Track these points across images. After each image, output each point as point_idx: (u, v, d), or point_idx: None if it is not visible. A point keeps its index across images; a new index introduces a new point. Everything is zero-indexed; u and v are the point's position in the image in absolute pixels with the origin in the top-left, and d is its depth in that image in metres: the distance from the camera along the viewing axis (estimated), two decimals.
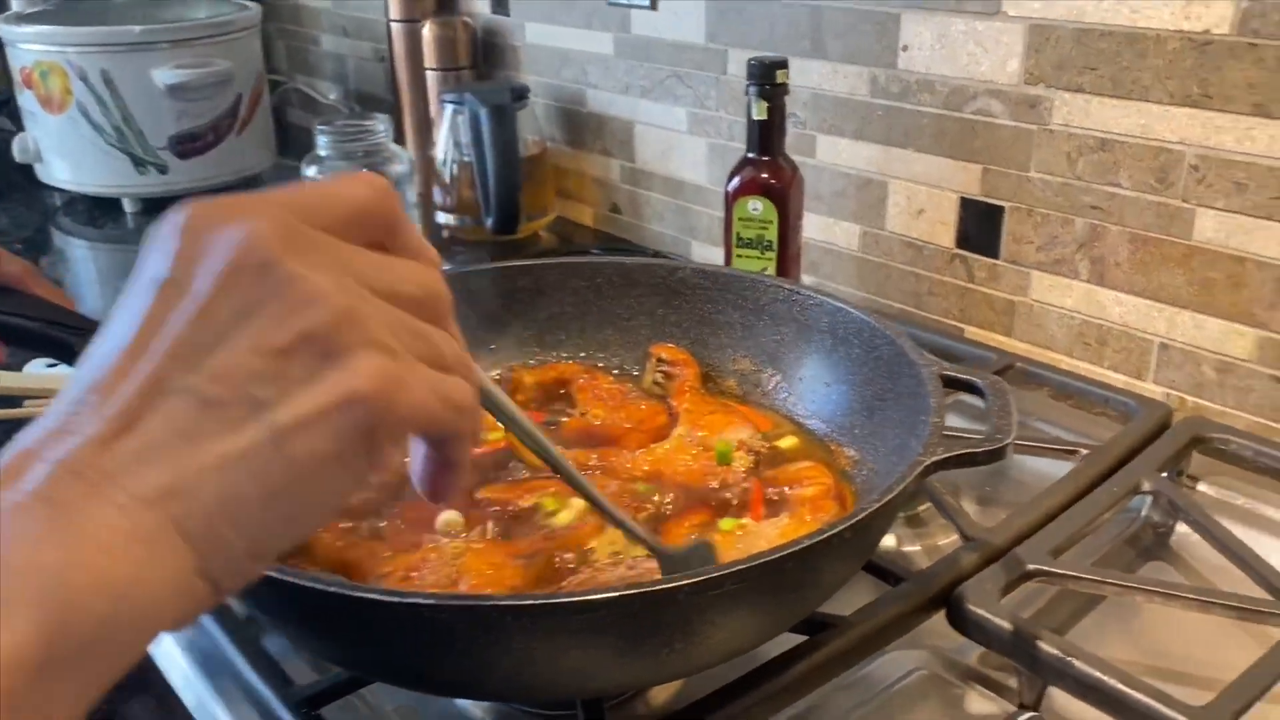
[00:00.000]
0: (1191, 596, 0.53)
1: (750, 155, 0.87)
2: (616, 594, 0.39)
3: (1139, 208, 0.76)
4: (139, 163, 1.29)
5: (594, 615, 0.39)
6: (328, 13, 1.62)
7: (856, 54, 0.91)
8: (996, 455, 0.46)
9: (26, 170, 1.38)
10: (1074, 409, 0.78)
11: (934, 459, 0.45)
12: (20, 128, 1.35)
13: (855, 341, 0.60)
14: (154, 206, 1.32)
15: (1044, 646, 0.50)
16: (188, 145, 1.30)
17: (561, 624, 0.39)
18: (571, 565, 0.50)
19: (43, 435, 0.28)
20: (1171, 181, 0.74)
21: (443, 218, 1.21)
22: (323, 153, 0.99)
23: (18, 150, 1.34)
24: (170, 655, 0.57)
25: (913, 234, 0.92)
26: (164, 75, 1.25)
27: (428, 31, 1.29)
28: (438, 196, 1.21)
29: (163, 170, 1.30)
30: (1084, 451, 0.67)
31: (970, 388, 0.52)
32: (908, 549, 0.65)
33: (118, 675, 0.26)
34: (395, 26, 1.34)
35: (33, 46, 1.27)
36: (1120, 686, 0.48)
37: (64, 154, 1.31)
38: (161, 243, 0.29)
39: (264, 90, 1.40)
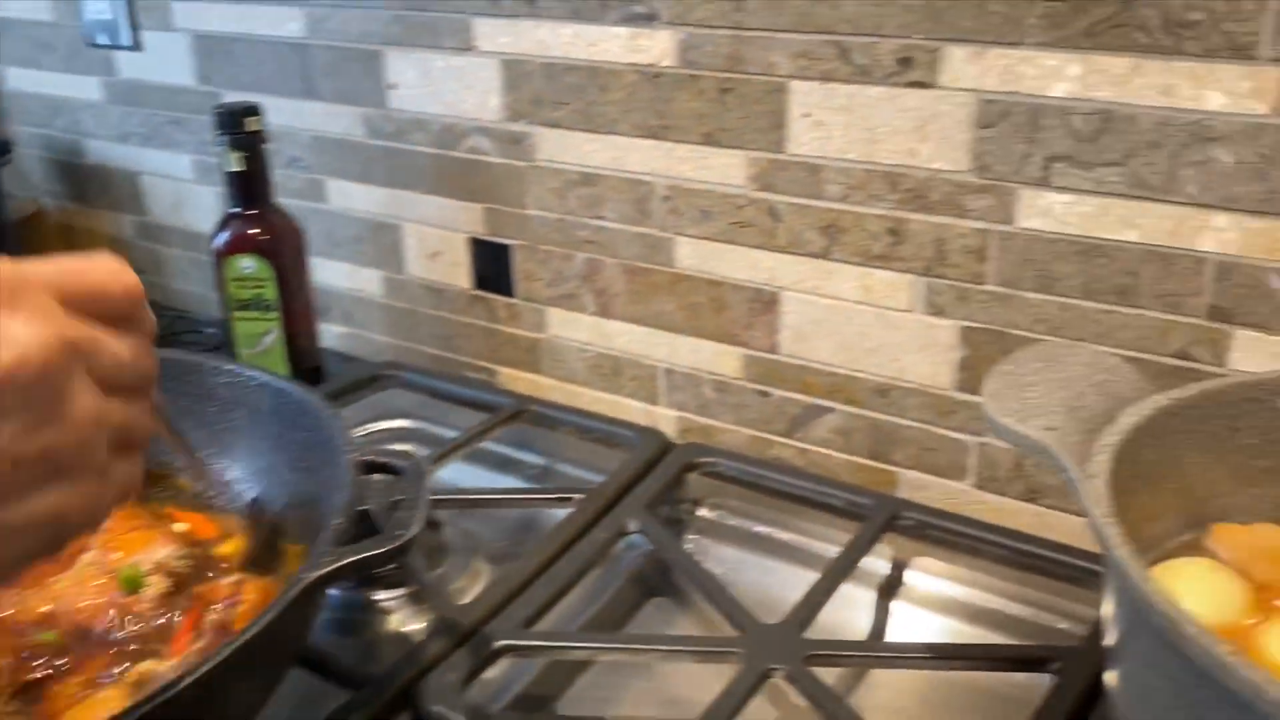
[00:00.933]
0: (648, 648, 0.52)
1: (235, 210, 0.79)
2: None
3: (627, 239, 0.77)
4: None
5: None
6: None
7: (347, 94, 0.86)
8: (395, 555, 0.43)
9: None
10: (589, 443, 0.77)
11: (314, 575, 0.41)
12: None
13: (301, 424, 0.54)
14: None
15: None
16: None
17: None
18: None
19: None
20: (650, 212, 0.75)
21: None
22: None
23: None
24: None
25: (432, 277, 0.88)
26: None
27: None
28: None
29: None
30: (578, 496, 0.65)
31: (390, 470, 0.48)
32: (405, 630, 0.60)
33: None
34: None
35: None
36: None
37: None
38: None
39: None
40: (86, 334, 0.33)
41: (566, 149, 0.77)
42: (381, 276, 0.91)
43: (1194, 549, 0.45)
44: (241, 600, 0.48)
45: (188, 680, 0.36)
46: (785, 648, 0.52)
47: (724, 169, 0.70)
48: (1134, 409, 0.43)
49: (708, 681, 0.51)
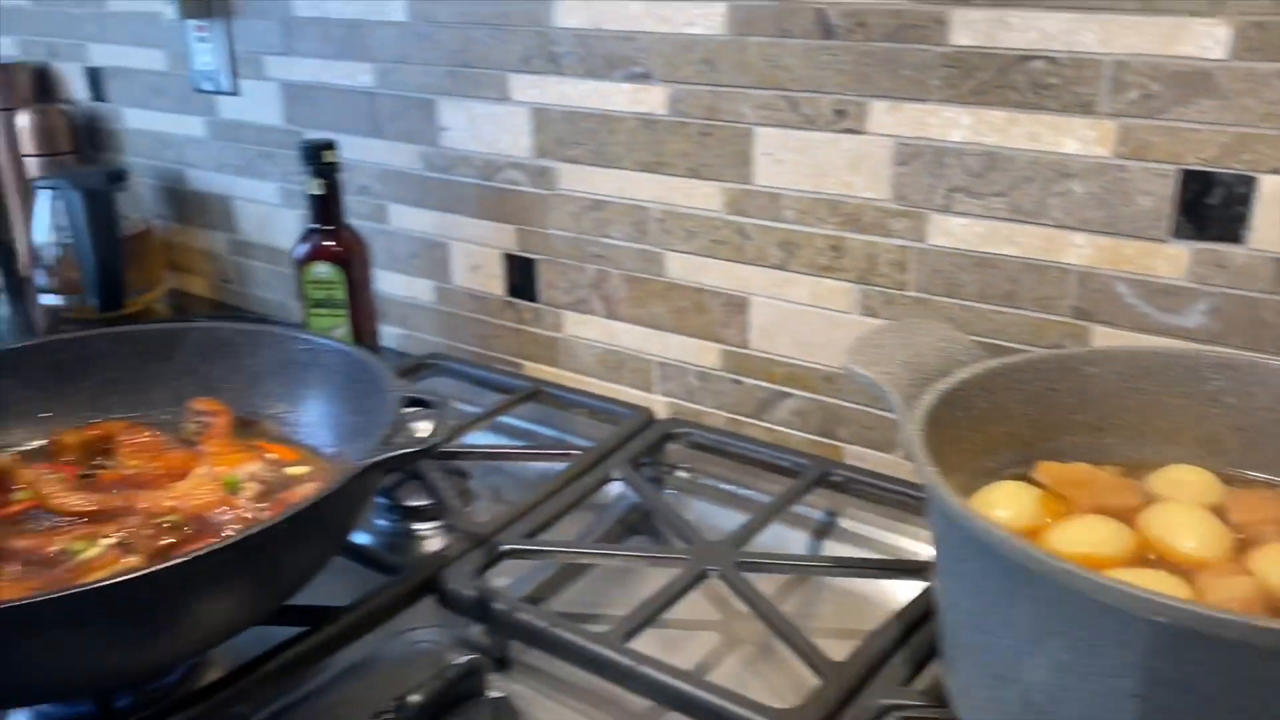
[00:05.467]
0: (615, 553, 0.68)
1: (313, 226, 0.97)
2: (106, 582, 0.48)
3: (629, 254, 0.93)
4: None
5: (84, 603, 0.48)
6: None
7: (408, 133, 1.04)
8: (428, 451, 0.59)
9: None
10: (593, 420, 0.93)
11: (371, 460, 0.57)
12: None
13: (355, 376, 0.71)
14: None
15: (496, 606, 0.63)
16: None
17: (60, 616, 0.48)
18: None
19: None
20: (647, 231, 0.92)
21: (50, 299, 1.23)
22: None
23: None
24: None
25: (474, 286, 1.06)
26: None
27: (25, 120, 1.31)
28: (41, 279, 1.23)
29: None
30: (575, 453, 0.82)
31: (423, 403, 0.65)
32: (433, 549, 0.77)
33: None
34: None
35: None
36: (547, 627, 0.62)
37: None
38: None
39: None
40: None
41: (582, 180, 0.94)
42: (432, 286, 1.09)
43: (1024, 480, 0.60)
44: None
45: (260, 528, 0.53)
46: (722, 557, 0.68)
47: (705, 197, 0.87)
48: (967, 369, 0.59)
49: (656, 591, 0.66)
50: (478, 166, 1.01)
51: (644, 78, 0.87)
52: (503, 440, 0.92)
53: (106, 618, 0.51)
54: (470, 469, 0.85)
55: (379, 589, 0.66)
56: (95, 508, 0.65)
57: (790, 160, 0.82)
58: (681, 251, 0.90)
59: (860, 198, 0.79)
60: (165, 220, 1.32)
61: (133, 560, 0.61)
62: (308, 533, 0.57)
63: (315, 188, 0.96)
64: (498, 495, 0.84)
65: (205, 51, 1.17)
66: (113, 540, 0.62)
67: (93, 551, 0.61)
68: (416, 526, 0.79)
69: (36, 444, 0.73)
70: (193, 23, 1.17)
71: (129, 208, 1.24)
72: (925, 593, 0.64)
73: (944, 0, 0.72)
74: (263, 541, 0.53)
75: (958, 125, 0.74)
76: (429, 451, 0.59)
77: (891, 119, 0.76)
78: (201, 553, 0.52)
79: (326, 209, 0.97)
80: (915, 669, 0.58)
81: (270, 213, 1.20)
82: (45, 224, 1.21)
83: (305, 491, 0.66)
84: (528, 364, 1.05)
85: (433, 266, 1.09)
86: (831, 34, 0.77)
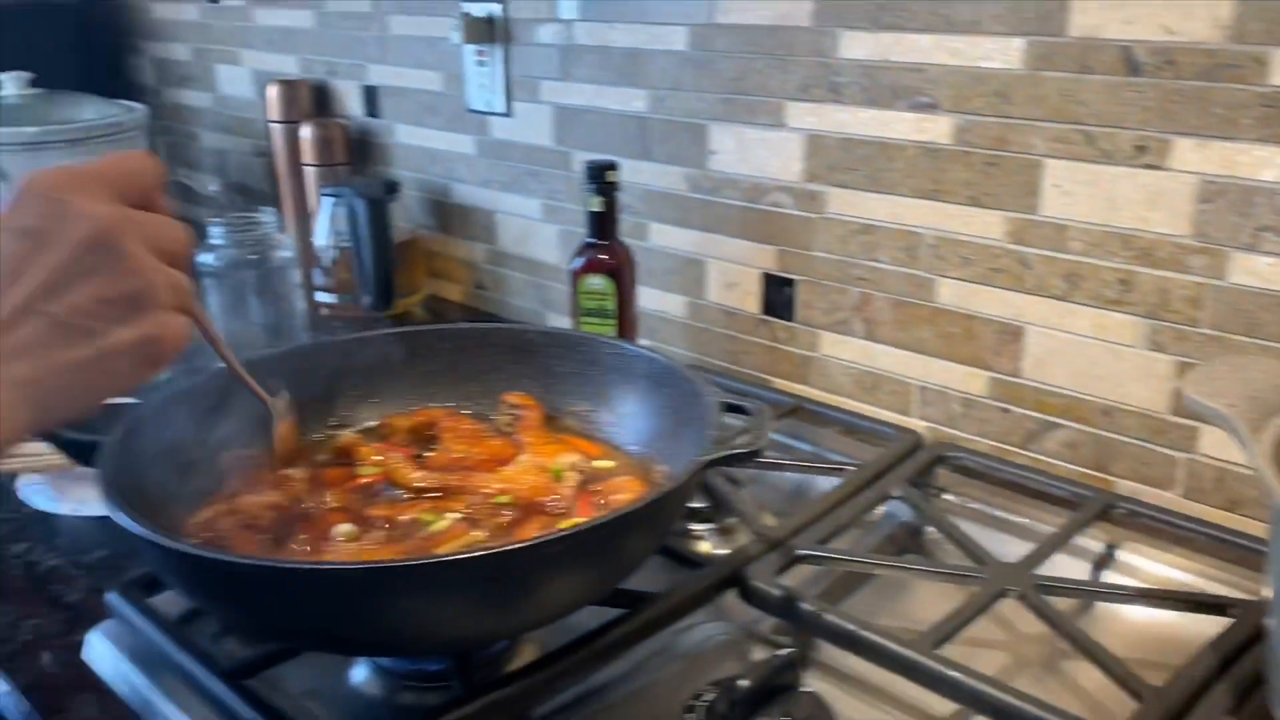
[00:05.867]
0: (912, 567, 0.71)
1: (590, 240, 1.04)
2: (476, 553, 0.54)
3: (896, 278, 0.96)
4: None
5: (457, 571, 0.53)
6: (209, 112, 1.75)
7: (675, 156, 1.10)
8: (756, 454, 0.63)
9: None
10: (851, 438, 0.96)
11: (709, 457, 0.62)
12: None
13: (664, 382, 0.76)
14: None
15: (803, 606, 0.67)
16: None
17: (434, 578, 0.54)
18: None
19: None
20: (918, 257, 0.94)
21: (322, 297, 1.34)
22: (216, 242, 1.12)
23: None
24: (105, 656, 0.68)
25: (728, 303, 1.10)
26: None
27: (307, 132, 1.43)
28: (317, 278, 1.34)
29: None
30: (850, 469, 0.85)
31: (740, 410, 0.69)
32: (718, 551, 0.81)
33: None
34: (275, 127, 1.48)
35: None
36: (857, 630, 0.65)
37: None
38: (28, 203, 0.45)
39: None
40: (134, 211, 0.47)
41: (853, 205, 0.97)
42: (685, 301, 1.14)
43: None
44: (626, 490, 0.70)
45: (617, 513, 0.58)
46: (1020, 578, 0.69)
47: (984, 225, 0.89)
48: None
49: (948, 607, 0.68)
50: (743, 189, 1.05)
51: (929, 108, 0.90)
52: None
53: (479, 584, 0.56)
54: (740, 475, 0.88)
55: (687, 580, 0.70)
56: (437, 484, 0.72)
57: (1081, 193, 0.83)
58: (954, 278, 0.92)
59: (1156, 233, 0.80)
60: (429, 229, 1.41)
61: (479, 535, 0.67)
62: (650, 521, 0.61)
63: (595, 205, 1.02)
64: (763, 504, 0.87)
65: (483, 75, 1.26)
66: (458, 515, 0.68)
67: (442, 524, 0.67)
68: (693, 526, 0.83)
69: (370, 424, 0.81)
70: (473, 48, 1.26)
71: (398, 217, 1.34)
72: (1235, 627, 0.64)
73: (1265, 40, 0.72)
74: (616, 527, 0.58)
75: (1270, 165, 0.73)
76: (756, 454, 0.63)
77: (1196, 156, 0.77)
78: (567, 532, 0.57)
79: (603, 225, 1.03)
80: (1239, 699, 0.59)
81: (531, 226, 1.28)
82: (326, 228, 1.32)
83: (621, 484, 0.71)
84: (777, 380, 1.08)
85: (688, 283, 1.13)
86: (1137, 71, 0.78)
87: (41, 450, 0.85)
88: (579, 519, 0.68)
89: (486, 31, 1.24)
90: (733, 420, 0.68)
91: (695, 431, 0.69)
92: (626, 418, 0.79)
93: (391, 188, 1.32)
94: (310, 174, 1.45)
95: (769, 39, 0.99)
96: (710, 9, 1.03)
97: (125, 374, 0.46)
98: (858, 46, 0.93)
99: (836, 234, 0.99)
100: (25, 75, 1.48)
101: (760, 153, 1.03)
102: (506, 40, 1.23)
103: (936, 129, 0.90)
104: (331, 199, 1.31)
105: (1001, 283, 0.89)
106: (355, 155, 1.47)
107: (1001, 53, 0.84)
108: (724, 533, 0.84)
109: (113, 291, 0.45)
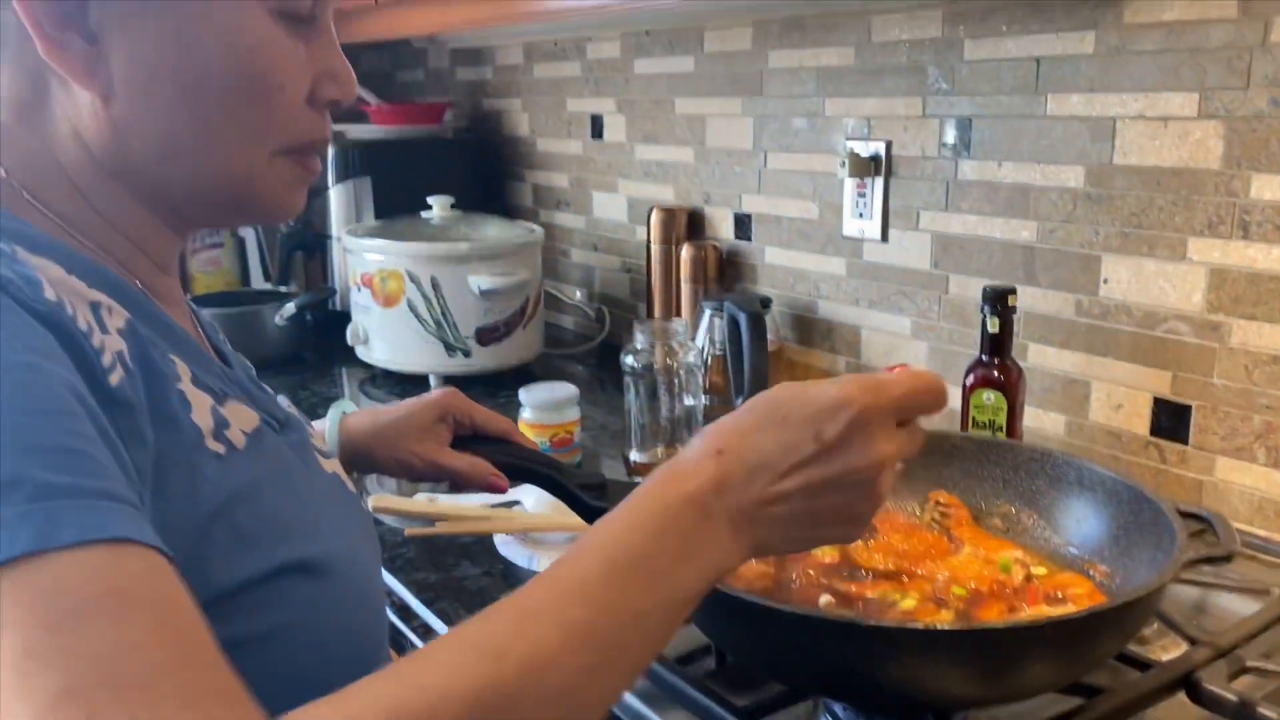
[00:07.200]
0: None
1: (983, 358, 1.11)
2: (983, 628, 0.62)
3: None
4: (449, 348, 1.61)
5: (960, 640, 0.62)
6: (580, 232, 1.98)
7: (1063, 283, 1.17)
8: (1228, 558, 0.68)
9: (348, 350, 1.72)
10: (1253, 563, 0.97)
11: (1189, 558, 0.67)
12: (344, 320, 1.71)
13: (1099, 488, 0.82)
14: (451, 381, 1.63)
15: (1262, 711, 0.70)
16: (488, 335, 1.62)
17: (938, 646, 0.62)
18: None
19: (706, 481, 0.53)
20: None
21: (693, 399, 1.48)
22: (639, 345, 1.28)
23: (350, 335, 1.68)
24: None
25: (1113, 424, 1.14)
26: (479, 281, 1.59)
27: (685, 253, 1.61)
28: None
29: (467, 354, 1.62)
30: (1276, 592, 0.86)
31: (1199, 518, 0.74)
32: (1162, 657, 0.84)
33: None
34: (655, 249, 1.67)
35: (375, 256, 1.63)
36: None
37: (386, 339, 1.65)
38: (840, 412, 0.54)
39: (542, 294, 1.73)
40: (900, 447, 0.56)
41: (1260, 336, 1.00)
42: (1065, 420, 1.19)
43: None
44: (1077, 587, 0.76)
45: (1121, 601, 0.64)
46: None
47: None
48: None
49: None
50: (1136, 317, 1.10)
51: None
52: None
53: (967, 653, 0.64)
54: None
55: (1138, 680, 0.75)
56: (895, 568, 0.81)
57: None
58: None
59: None
60: (791, 341, 1.54)
61: (946, 615, 0.75)
62: (1130, 617, 0.67)
63: (992, 326, 1.10)
64: (1191, 623, 0.90)
65: (861, 205, 1.39)
66: (922, 596, 0.77)
67: (910, 602, 0.76)
68: None
69: None
70: (853, 181, 1.39)
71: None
72: None
73: None
74: (1108, 618, 0.64)
75: None
76: (1228, 558, 0.68)
77: None
78: (1080, 615, 0.64)
79: (998, 345, 1.11)
80: None
81: (899, 342, 1.38)
82: (703, 336, 1.47)
83: (1068, 580, 0.77)
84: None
85: (1068, 402, 1.19)
86: None
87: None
88: (1039, 608, 0.75)
89: (869, 167, 1.36)
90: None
91: (1146, 537, 0.75)
92: (1058, 522, 0.85)
93: (766, 302, 1.45)
94: (686, 289, 1.61)
95: (1173, 179, 1.05)
96: (1107, 150, 1.10)
97: (840, 538, 0.59)
98: (1269, 190, 0.98)
99: (1240, 363, 1.02)
100: (448, 199, 1.75)
101: (1158, 283, 1.08)
102: (888, 174, 1.35)
103: None
104: (710, 310, 1.46)
105: None
106: (724, 273, 1.62)
107: None
108: (1140, 641, 0.87)
109: (853, 512, 0.56)
